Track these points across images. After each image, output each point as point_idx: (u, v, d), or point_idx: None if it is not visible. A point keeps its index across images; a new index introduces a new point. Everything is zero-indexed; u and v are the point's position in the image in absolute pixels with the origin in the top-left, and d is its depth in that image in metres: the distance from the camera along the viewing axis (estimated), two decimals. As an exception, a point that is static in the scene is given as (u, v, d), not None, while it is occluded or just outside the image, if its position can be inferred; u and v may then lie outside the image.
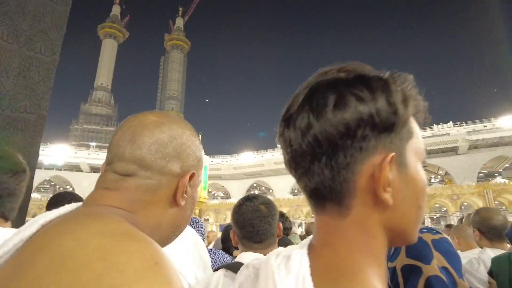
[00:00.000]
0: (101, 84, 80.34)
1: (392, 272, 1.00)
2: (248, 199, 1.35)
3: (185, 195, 0.58)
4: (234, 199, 38.12)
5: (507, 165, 38.73)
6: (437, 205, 30.56)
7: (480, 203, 25.59)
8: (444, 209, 30.13)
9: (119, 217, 0.47)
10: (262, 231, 1.27)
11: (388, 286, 0.99)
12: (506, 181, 28.39)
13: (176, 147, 0.57)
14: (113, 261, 0.36)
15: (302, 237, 5.38)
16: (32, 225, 0.48)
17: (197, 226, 2.48)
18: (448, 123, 38.54)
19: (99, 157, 45.12)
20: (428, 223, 26.48)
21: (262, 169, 44.02)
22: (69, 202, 0.56)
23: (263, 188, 49.62)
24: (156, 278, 0.36)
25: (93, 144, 58.47)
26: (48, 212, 0.51)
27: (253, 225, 1.27)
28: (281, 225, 1.37)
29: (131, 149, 0.54)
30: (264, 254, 1.14)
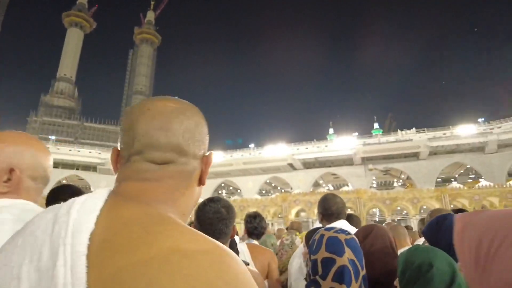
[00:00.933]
0: (64, 75, 76.30)
1: (314, 263, 1.28)
2: (212, 201, 1.51)
3: None
4: (200, 199, 37.32)
5: (462, 171, 41.02)
6: (399, 208, 31.67)
7: (437, 206, 26.78)
8: (405, 212, 31.30)
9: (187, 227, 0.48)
10: (218, 231, 1.43)
11: (309, 274, 1.33)
12: (461, 186, 30.02)
13: (201, 132, 0.60)
14: (230, 269, 0.42)
15: (277, 236, 5.55)
16: (89, 215, 0.46)
17: None
18: (411, 129, 40.18)
19: (59, 151, 42.64)
20: (389, 225, 27.32)
21: (231, 168, 43.62)
22: (70, 196, 0.53)
23: (231, 188, 49.24)
24: (248, 277, 0.43)
25: (53, 137, 55.31)
26: (93, 203, 0.49)
27: (212, 224, 1.43)
28: (236, 227, 1.55)
29: (166, 137, 0.55)
30: None
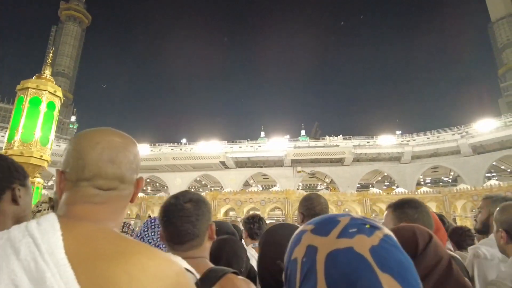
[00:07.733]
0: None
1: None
2: (173, 197, 1.24)
3: None
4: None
5: (379, 178, 44.46)
6: (323, 210, 32.87)
7: (358, 210, 28.50)
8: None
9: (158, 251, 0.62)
10: (183, 232, 1.17)
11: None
12: (380, 191, 32.29)
13: (137, 163, 0.75)
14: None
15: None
16: (54, 234, 0.57)
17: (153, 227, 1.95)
18: (339, 136, 42.35)
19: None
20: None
21: (159, 163, 41.18)
22: None
23: (157, 184, 46.69)
24: None
25: None
26: (50, 224, 0.59)
27: (175, 225, 1.17)
28: (213, 226, 1.25)
29: (113, 169, 0.69)
30: (183, 257, 1.03)
